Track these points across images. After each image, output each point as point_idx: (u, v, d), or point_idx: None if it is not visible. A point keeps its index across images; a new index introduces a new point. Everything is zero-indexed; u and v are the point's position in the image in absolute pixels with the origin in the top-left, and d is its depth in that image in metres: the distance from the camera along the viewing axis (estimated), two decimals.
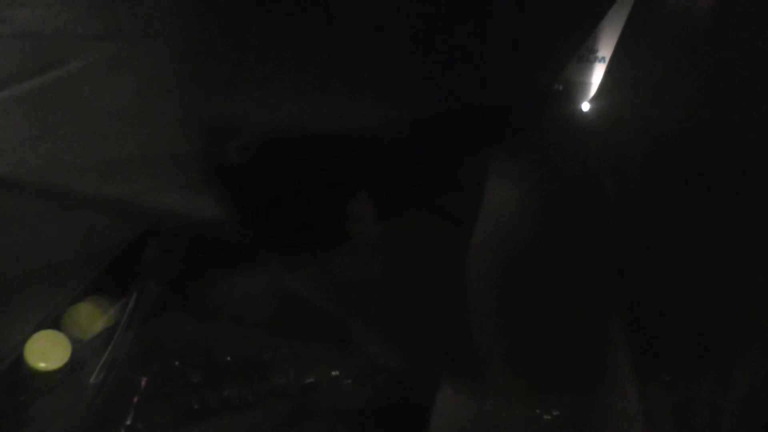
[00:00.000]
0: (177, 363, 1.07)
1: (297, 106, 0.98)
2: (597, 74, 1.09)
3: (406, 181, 1.10)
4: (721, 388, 1.01)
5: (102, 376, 0.99)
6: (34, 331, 0.94)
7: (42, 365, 0.92)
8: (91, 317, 0.99)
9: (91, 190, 0.94)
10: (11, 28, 0.83)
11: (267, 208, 1.06)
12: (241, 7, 0.89)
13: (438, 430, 1.06)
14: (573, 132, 1.13)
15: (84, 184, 0.93)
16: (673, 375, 1.05)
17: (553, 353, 1.06)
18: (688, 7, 1.06)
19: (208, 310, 1.08)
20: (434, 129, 1.07)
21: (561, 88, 1.10)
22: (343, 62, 0.97)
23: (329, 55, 0.95)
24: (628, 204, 1.06)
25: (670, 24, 1.06)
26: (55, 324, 0.96)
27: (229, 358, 1.09)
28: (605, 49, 1.07)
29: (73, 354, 0.94)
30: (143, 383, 1.03)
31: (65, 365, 0.93)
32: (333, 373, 1.10)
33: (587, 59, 1.09)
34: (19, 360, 0.92)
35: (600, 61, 1.08)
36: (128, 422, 1.02)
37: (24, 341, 0.93)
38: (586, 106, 1.09)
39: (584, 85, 1.09)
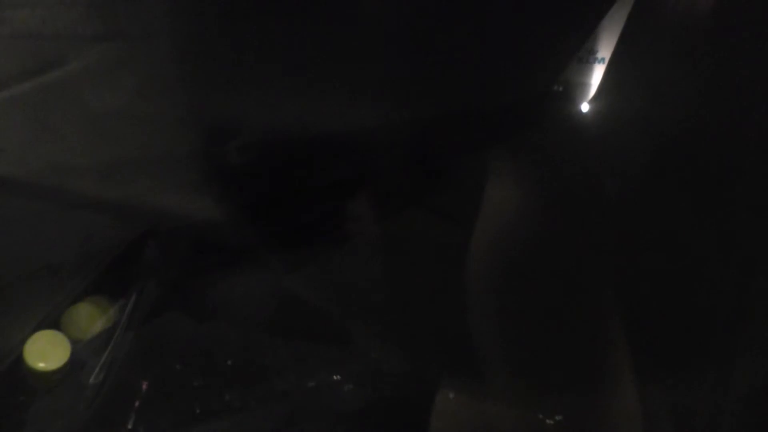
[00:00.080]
0: (178, 366, 1.07)
1: (297, 107, 0.98)
2: (596, 75, 1.09)
3: (406, 181, 1.10)
4: (721, 388, 1.01)
5: (102, 377, 0.99)
6: (34, 331, 0.94)
7: (41, 365, 0.92)
8: (91, 317, 0.99)
9: (91, 191, 0.94)
10: (11, 29, 0.83)
11: (267, 209, 1.06)
12: (240, 7, 0.89)
13: (438, 430, 1.06)
14: (572, 132, 1.13)
15: (84, 185, 0.93)
16: (673, 375, 1.05)
17: (553, 354, 1.06)
18: (688, 8, 1.06)
19: (208, 311, 1.08)
20: (434, 129, 1.07)
21: (560, 88, 1.10)
22: (343, 62, 0.97)
23: (329, 55, 0.95)
24: (628, 204, 1.07)
25: (669, 25, 1.07)
26: (55, 324, 0.96)
27: (230, 362, 1.09)
28: (605, 50, 1.07)
29: (72, 354, 0.94)
30: (144, 387, 1.03)
31: (65, 365, 0.94)
32: (335, 377, 1.10)
33: (587, 60, 1.09)
34: (19, 360, 0.92)
35: (599, 62, 1.09)
36: (129, 426, 1.02)
37: (23, 341, 0.93)
38: (585, 107, 1.09)
39: (584, 85, 1.10)
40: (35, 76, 0.85)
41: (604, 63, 1.09)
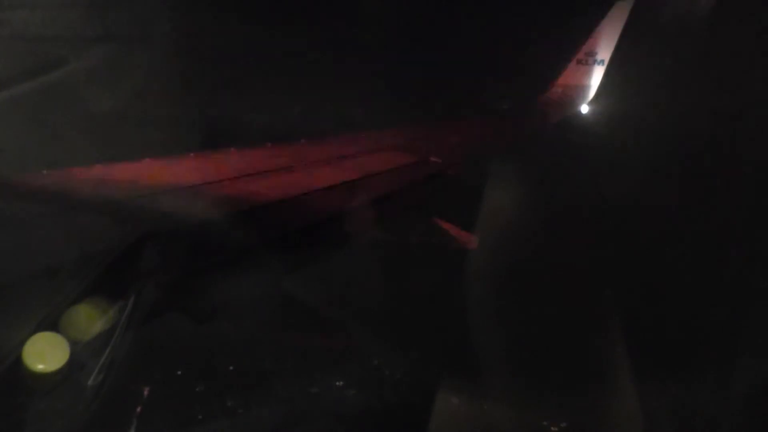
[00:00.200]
0: (179, 372, 1.06)
1: (296, 108, 0.98)
2: (596, 77, 1.08)
3: (406, 183, 1.09)
4: (721, 388, 1.01)
5: (101, 378, 0.98)
6: (33, 332, 0.93)
7: (40, 367, 0.91)
8: (90, 319, 0.98)
9: (90, 192, 0.93)
10: (11, 30, 0.83)
11: (266, 211, 1.06)
12: (240, 10, 0.89)
13: (438, 431, 1.06)
14: (572, 134, 1.13)
15: (83, 186, 0.92)
16: (673, 375, 1.05)
17: (553, 354, 1.06)
18: (687, 11, 1.06)
19: (207, 312, 1.07)
20: (433, 131, 1.07)
21: (560, 90, 1.10)
22: (343, 64, 0.97)
23: (328, 57, 0.95)
24: (628, 204, 1.06)
25: (668, 27, 1.07)
26: (54, 326, 0.95)
27: (231, 367, 1.08)
28: (604, 53, 1.07)
29: (71, 355, 0.93)
30: (146, 392, 1.03)
31: (64, 367, 0.93)
32: (337, 383, 1.09)
33: (587, 62, 1.09)
34: (18, 361, 0.91)
35: (599, 64, 1.08)
36: (132, 431, 1.02)
37: (23, 343, 0.92)
38: (585, 108, 1.09)
39: (583, 87, 1.09)
40: (35, 76, 0.85)
41: (603, 65, 1.09)
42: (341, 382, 1.03)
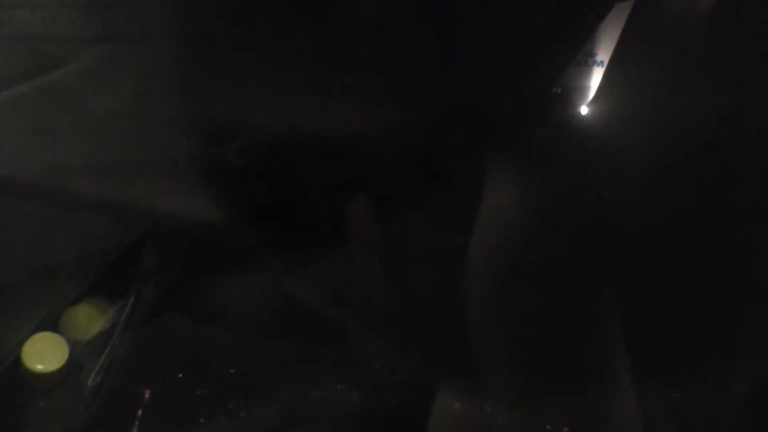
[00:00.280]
0: (181, 375, 1.07)
1: (296, 109, 0.98)
2: (595, 78, 1.09)
3: (406, 183, 1.10)
4: (720, 389, 1.01)
5: (100, 378, 0.98)
6: (32, 332, 0.94)
7: (39, 367, 0.92)
8: (89, 319, 0.99)
9: (90, 192, 0.94)
10: (10, 30, 0.83)
11: (266, 210, 1.06)
12: (240, 9, 0.89)
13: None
14: (571, 135, 1.14)
15: (82, 186, 0.93)
16: (673, 375, 1.05)
17: (553, 355, 1.06)
18: (686, 11, 1.07)
19: (207, 313, 1.08)
20: (433, 132, 1.08)
21: (560, 91, 1.11)
22: (343, 64, 0.97)
23: (329, 57, 0.96)
24: (628, 206, 1.07)
25: (668, 28, 1.07)
26: (54, 325, 0.96)
27: (232, 370, 1.08)
28: (604, 53, 1.08)
29: (71, 356, 0.94)
30: (147, 395, 1.03)
31: (63, 367, 0.93)
32: (339, 387, 1.09)
33: (586, 63, 1.09)
34: (17, 362, 0.92)
35: (598, 65, 1.09)
36: None
37: (22, 343, 0.93)
38: (584, 110, 1.10)
39: (583, 88, 1.10)
40: (35, 76, 0.85)
41: (603, 66, 1.09)
42: (343, 386, 1.04)
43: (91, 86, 0.87)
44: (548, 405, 1.07)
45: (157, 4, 0.85)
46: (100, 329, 0.99)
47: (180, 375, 1.07)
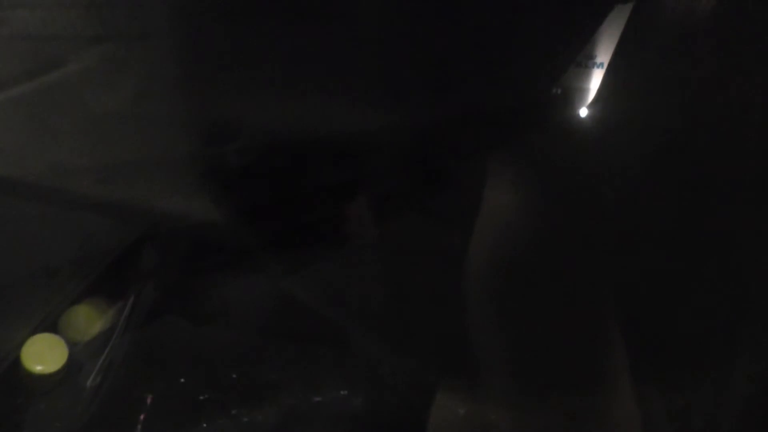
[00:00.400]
0: (183, 380, 1.07)
1: (296, 109, 0.98)
2: (595, 80, 1.09)
3: (406, 183, 1.10)
4: (720, 390, 1.01)
5: (99, 379, 0.98)
6: (32, 333, 0.94)
7: (39, 368, 0.92)
8: (89, 320, 0.99)
9: (90, 192, 0.94)
10: (10, 30, 0.83)
11: (266, 211, 1.06)
12: (240, 9, 0.89)
13: None
14: (571, 137, 1.14)
15: (82, 186, 0.93)
16: (673, 376, 1.05)
17: (552, 355, 1.06)
18: (687, 13, 1.07)
19: (207, 313, 1.08)
20: (434, 132, 1.07)
21: (559, 93, 1.11)
22: (343, 65, 0.97)
23: (329, 57, 0.96)
24: (627, 207, 1.07)
25: (668, 29, 1.07)
26: (53, 326, 0.96)
27: (234, 376, 1.08)
28: (603, 55, 1.08)
29: (70, 357, 0.94)
30: (149, 401, 1.03)
31: (62, 368, 0.93)
32: (342, 392, 1.09)
33: (585, 65, 1.09)
34: (16, 363, 0.92)
35: (598, 67, 1.09)
36: None
37: (21, 344, 0.92)
38: (584, 112, 1.10)
39: (582, 90, 1.10)
40: (34, 76, 0.85)
41: (603, 68, 1.09)
42: (343, 387, 1.04)
43: (91, 86, 0.87)
44: (548, 406, 1.07)
45: (157, 4, 0.85)
46: (99, 330, 0.99)
47: (182, 380, 1.07)
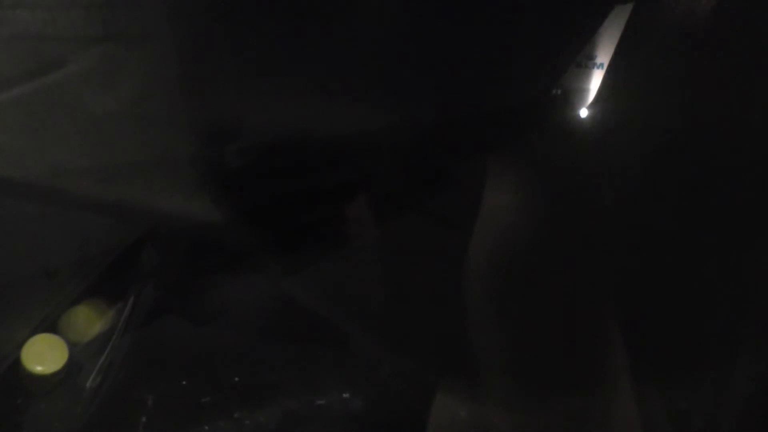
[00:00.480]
0: (184, 382, 1.07)
1: (296, 109, 0.98)
2: (595, 80, 1.09)
3: (406, 184, 1.10)
4: (720, 390, 1.01)
5: (99, 380, 0.98)
6: (31, 334, 0.94)
7: (39, 369, 0.92)
8: (89, 320, 0.99)
9: (90, 193, 0.94)
10: (10, 30, 0.83)
11: (266, 211, 1.06)
12: (240, 10, 0.89)
13: None
14: (571, 137, 1.13)
15: (82, 187, 0.93)
16: (673, 376, 1.05)
17: (552, 356, 1.06)
18: (688, 14, 1.07)
19: (207, 314, 1.08)
20: (433, 133, 1.07)
21: (559, 93, 1.10)
22: (343, 65, 0.97)
23: (328, 57, 0.96)
24: (627, 208, 1.06)
25: (668, 30, 1.07)
26: (53, 327, 0.96)
27: (237, 379, 1.08)
28: (603, 56, 1.08)
29: (70, 357, 0.94)
30: (149, 402, 1.03)
31: (62, 369, 0.93)
32: (344, 395, 1.09)
33: (585, 65, 1.09)
34: (16, 363, 0.92)
35: (598, 68, 1.09)
36: None
37: (21, 344, 0.92)
38: (584, 112, 1.09)
39: (582, 91, 1.10)
40: (35, 77, 0.85)
41: (602, 68, 1.09)
42: (343, 387, 1.04)
43: (91, 86, 0.87)
44: (548, 406, 1.07)
45: (158, 4, 0.85)
46: (99, 330, 0.99)
47: (183, 382, 1.07)
